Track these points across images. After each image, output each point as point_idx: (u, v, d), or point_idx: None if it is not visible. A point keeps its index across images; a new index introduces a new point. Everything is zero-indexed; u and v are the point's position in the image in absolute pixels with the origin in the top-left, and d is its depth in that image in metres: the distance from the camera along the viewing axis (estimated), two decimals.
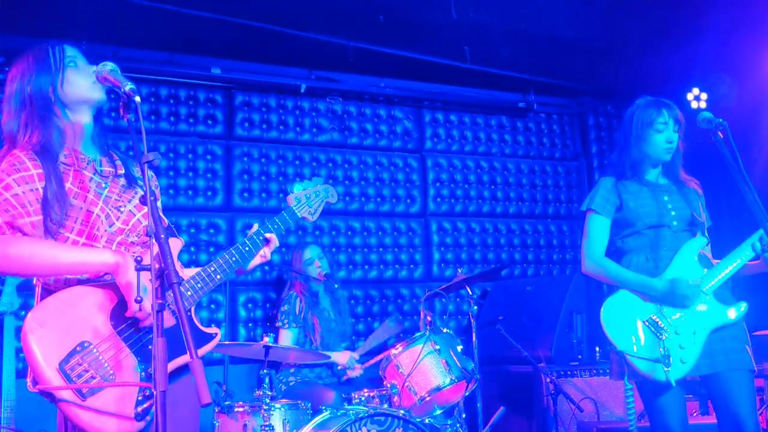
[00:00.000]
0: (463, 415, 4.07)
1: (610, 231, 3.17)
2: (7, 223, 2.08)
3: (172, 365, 2.12)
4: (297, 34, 5.05)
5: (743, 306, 3.00)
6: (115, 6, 4.40)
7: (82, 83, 2.26)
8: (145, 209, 2.28)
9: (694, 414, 4.35)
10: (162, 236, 1.84)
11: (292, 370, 4.61)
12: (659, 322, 2.94)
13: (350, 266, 5.71)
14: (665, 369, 2.84)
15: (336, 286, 4.87)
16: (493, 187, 6.34)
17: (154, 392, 1.73)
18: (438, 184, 6.13)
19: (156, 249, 1.83)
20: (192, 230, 5.23)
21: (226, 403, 3.68)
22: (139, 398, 2.06)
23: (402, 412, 3.55)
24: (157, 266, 1.81)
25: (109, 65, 2.15)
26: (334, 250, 5.62)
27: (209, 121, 5.44)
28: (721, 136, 2.91)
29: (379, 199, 5.90)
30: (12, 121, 2.23)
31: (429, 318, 4.00)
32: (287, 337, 4.67)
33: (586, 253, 3.15)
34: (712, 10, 4.82)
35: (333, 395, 4.27)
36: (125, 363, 2.07)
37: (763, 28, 5.00)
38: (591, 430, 4.24)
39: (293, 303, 4.74)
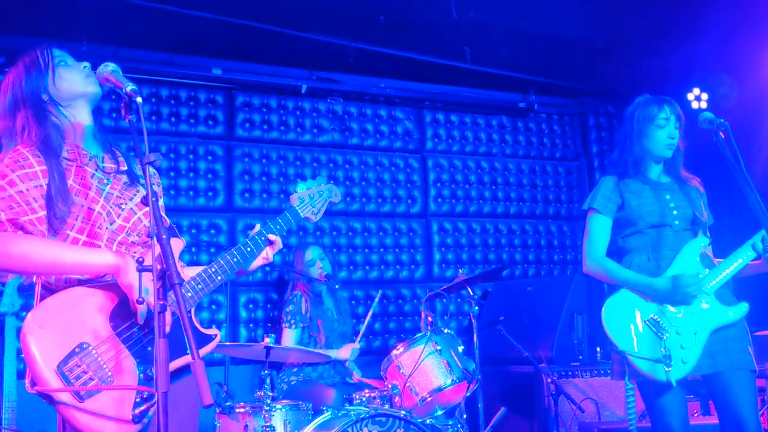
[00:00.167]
0: (465, 416, 4.07)
1: (611, 230, 3.16)
2: (9, 220, 2.08)
3: (173, 366, 2.11)
4: (298, 34, 5.06)
5: (744, 306, 2.99)
6: (115, 6, 4.40)
7: (75, 78, 2.27)
8: (146, 208, 2.28)
9: (695, 414, 4.35)
10: (164, 237, 1.84)
11: (294, 370, 4.61)
12: (660, 322, 2.94)
13: (351, 267, 5.71)
14: (666, 369, 2.84)
15: (337, 286, 4.87)
16: (493, 187, 6.34)
17: (156, 394, 1.73)
18: (439, 185, 6.13)
19: (158, 249, 1.82)
20: (193, 231, 5.23)
21: (227, 403, 3.67)
22: (137, 400, 2.05)
23: (403, 412, 3.54)
24: (158, 267, 1.81)
25: (111, 66, 2.14)
26: (335, 250, 5.62)
27: (210, 122, 5.44)
28: (723, 136, 2.91)
29: (380, 200, 5.90)
30: (9, 125, 2.23)
31: (430, 318, 4.00)
32: (290, 336, 4.68)
33: (587, 252, 3.14)
34: (712, 10, 4.82)
35: (333, 393, 4.28)
36: (124, 365, 2.07)
37: (763, 28, 5.00)
38: (592, 431, 4.23)
39: (298, 303, 4.74)
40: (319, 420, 3.45)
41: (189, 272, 2.32)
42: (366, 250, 5.79)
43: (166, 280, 1.80)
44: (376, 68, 5.73)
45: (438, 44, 5.43)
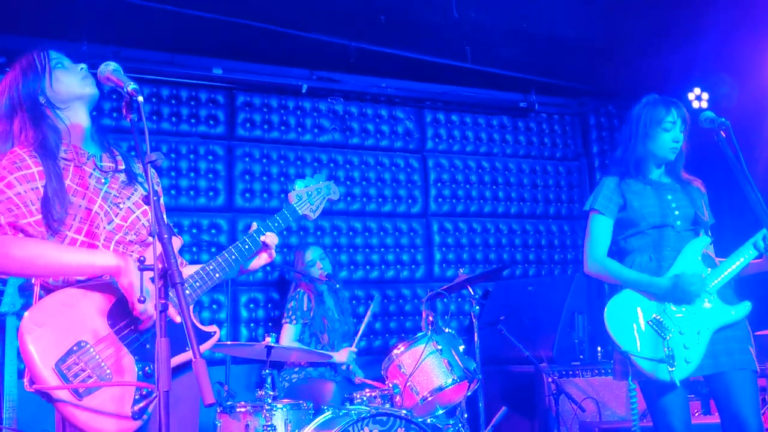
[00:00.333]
0: (465, 415, 4.07)
1: (613, 231, 3.16)
2: (9, 223, 2.08)
3: (173, 362, 2.11)
4: (298, 34, 5.06)
5: (747, 305, 2.99)
6: (115, 6, 4.40)
7: (72, 80, 2.26)
8: (144, 207, 2.29)
9: (696, 414, 4.35)
10: (165, 236, 1.84)
11: (296, 369, 4.62)
12: (663, 322, 2.94)
13: (352, 266, 5.71)
14: (669, 369, 2.83)
15: (338, 286, 4.87)
16: (494, 187, 6.35)
17: (157, 393, 1.72)
18: (439, 185, 6.13)
19: (159, 249, 1.82)
20: (194, 231, 5.24)
21: (228, 403, 3.68)
22: (136, 397, 2.05)
23: (404, 412, 3.55)
24: (160, 266, 1.81)
25: (112, 65, 2.13)
26: (335, 250, 5.62)
27: (211, 122, 5.44)
28: (724, 135, 2.91)
29: (380, 200, 5.90)
30: (6, 128, 2.22)
31: (431, 318, 4.00)
32: (290, 331, 4.68)
33: (588, 253, 3.14)
34: (712, 10, 4.82)
35: (332, 386, 4.28)
36: (123, 362, 2.07)
37: (763, 28, 5.00)
38: (593, 430, 4.23)
39: (300, 299, 4.75)
40: (320, 419, 3.45)
41: (188, 270, 2.31)
42: (367, 249, 5.79)
43: (168, 280, 1.80)
44: (377, 68, 5.73)
45: (439, 44, 5.43)
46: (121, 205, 2.26)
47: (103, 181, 2.26)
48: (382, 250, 5.85)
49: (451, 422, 3.95)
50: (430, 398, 3.76)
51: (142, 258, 1.99)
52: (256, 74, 5.53)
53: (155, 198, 1.91)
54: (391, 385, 3.84)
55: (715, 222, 3.23)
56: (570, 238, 6.58)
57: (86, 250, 2.14)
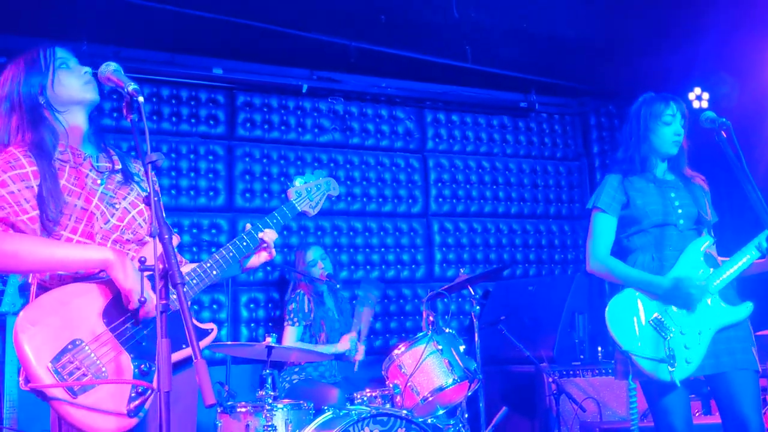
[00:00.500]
0: (466, 415, 4.07)
1: (616, 229, 3.15)
2: (2, 219, 2.08)
3: (172, 359, 2.10)
4: (299, 34, 5.06)
5: (749, 306, 2.99)
6: (115, 6, 4.40)
7: (74, 84, 2.25)
8: (140, 206, 2.28)
9: (697, 414, 4.34)
10: (166, 236, 1.83)
11: (296, 369, 4.62)
12: (664, 322, 2.93)
13: (352, 266, 5.71)
14: (670, 369, 2.83)
15: (338, 286, 4.88)
16: (494, 187, 6.34)
17: (158, 393, 1.72)
18: (440, 185, 6.13)
19: (160, 249, 1.82)
20: (194, 230, 5.23)
21: (229, 403, 3.68)
22: (132, 395, 2.04)
23: (404, 412, 3.54)
24: (161, 266, 1.81)
25: (112, 65, 2.12)
26: (336, 250, 5.62)
27: (211, 122, 5.44)
28: (725, 135, 2.91)
29: (381, 200, 5.90)
30: (3, 125, 2.22)
31: (431, 318, 4.00)
32: (292, 333, 4.68)
33: (591, 252, 3.13)
34: (712, 10, 4.81)
35: (336, 393, 4.28)
36: (118, 360, 2.06)
37: (764, 28, 5.00)
38: (594, 430, 4.23)
39: (301, 301, 4.75)
40: (320, 419, 3.45)
41: (185, 268, 2.30)
42: (367, 249, 5.79)
43: (168, 280, 1.80)
44: (377, 68, 5.73)
45: (439, 44, 5.43)
46: (117, 205, 2.25)
47: (99, 181, 2.25)
48: (383, 250, 5.85)
49: (452, 422, 3.95)
50: (430, 398, 3.76)
51: (142, 258, 1.98)
52: (257, 74, 5.53)
53: (156, 198, 1.90)
54: (391, 385, 3.84)
55: (717, 221, 3.22)
56: (570, 238, 6.58)
57: (77, 245, 2.14)
